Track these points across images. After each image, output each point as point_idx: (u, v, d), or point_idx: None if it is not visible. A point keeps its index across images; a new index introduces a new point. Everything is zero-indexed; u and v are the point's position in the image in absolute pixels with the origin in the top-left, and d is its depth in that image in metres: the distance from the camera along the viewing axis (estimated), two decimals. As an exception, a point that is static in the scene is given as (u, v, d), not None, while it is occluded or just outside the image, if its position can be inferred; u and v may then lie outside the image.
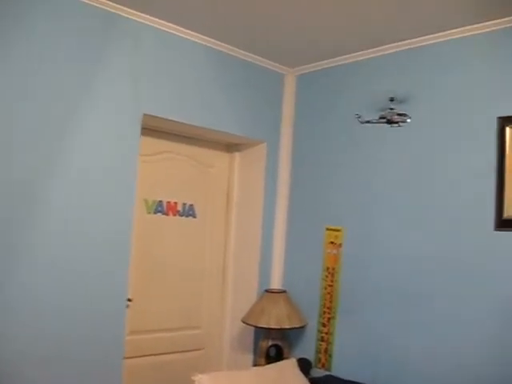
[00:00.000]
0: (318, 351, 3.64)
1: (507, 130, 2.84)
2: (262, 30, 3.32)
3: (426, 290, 3.09)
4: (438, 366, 2.99)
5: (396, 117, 3.17)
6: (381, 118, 3.23)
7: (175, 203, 3.81)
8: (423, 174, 3.20)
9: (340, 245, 3.56)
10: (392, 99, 3.23)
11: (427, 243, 3.13)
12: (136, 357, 3.50)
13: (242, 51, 3.67)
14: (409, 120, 3.14)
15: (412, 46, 3.29)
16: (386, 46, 3.40)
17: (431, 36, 3.17)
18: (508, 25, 2.86)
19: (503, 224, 2.83)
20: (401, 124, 3.17)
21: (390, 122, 3.20)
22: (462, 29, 3.04)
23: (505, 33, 2.89)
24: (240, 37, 3.45)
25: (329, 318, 3.58)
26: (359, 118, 3.30)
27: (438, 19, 2.98)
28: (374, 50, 3.47)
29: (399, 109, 3.21)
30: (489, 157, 2.90)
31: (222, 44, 3.55)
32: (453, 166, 3.07)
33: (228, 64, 3.64)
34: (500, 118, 2.87)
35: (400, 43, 3.32)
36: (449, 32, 3.10)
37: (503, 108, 2.87)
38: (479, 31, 2.99)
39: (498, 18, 2.88)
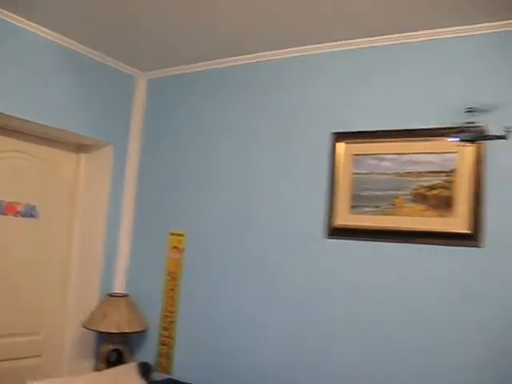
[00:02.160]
0: (159, 355, 3.66)
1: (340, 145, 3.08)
2: (115, 31, 3.28)
3: (267, 290, 3.25)
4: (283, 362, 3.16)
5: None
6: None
7: (16, 203, 3.65)
8: (259, 177, 3.38)
9: (183, 249, 3.61)
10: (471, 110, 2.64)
11: (263, 244, 3.30)
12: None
13: (94, 51, 3.62)
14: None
15: (262, 59, 3.45)
16: (241, 57, 3.52)
17: (273, 52, 3.36)
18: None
19: (333, 232, 3.04)
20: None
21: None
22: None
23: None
24: (93, 36, 3.39)
25: (170, 322, 3.61)
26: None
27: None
28: (231, 59, 3.56)
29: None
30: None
31: (76, 43, 3.48)
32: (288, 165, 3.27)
33: (80, 64, 3.57)
34: (333, 133, 3.10)
35: (256, 54, 3.45)
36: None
37: (336, 125, 3.10)
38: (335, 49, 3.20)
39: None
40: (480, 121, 2.61)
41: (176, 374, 3.56)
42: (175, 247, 3.63)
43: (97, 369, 3.67)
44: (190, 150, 3.70)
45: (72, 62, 3.52)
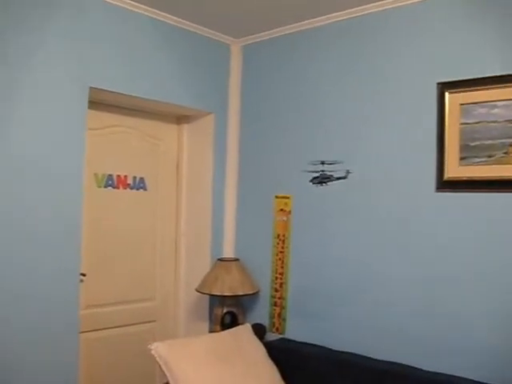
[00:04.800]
0: (271, 316, 3.74)
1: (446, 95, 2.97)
2: (206, 0, 3.30)
3: (376, 251, 3.22)
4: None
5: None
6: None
7: (125, 176, 3.80)
8: (365, 133, 3.31)
9: (289, 212, 3.64)
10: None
11: (375, 203, 3.24)
12: (92, 330, 3.52)
13: (187, 22, 3.65)
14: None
15: (359, 14, 3.34)
16: (334, 15, 3.43)
17: (377, 4, 3.23)
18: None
19: (443, 185, 2.97)
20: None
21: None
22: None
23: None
24: (185, 7, 3.42)
25: (281, 283, 3.67)
26: None
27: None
28: (322, 18, 3.49)
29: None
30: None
31: (167, 15, 3.52)
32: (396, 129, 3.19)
33: (174, 35, 3.62)
34: (439, 83, 2.99)
35: (348, 10, 3.36)
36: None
37: (441, 74, 2.99)
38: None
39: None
40: None
41: (289, 334, 3.63)
42: (282, 210, 3.67)
43: (212, 331, 3.81)
44: (291, 112, 3.68)
45: (167, 36, 3.58)
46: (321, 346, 3.34)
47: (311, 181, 3.54)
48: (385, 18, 3.24)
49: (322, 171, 3.48)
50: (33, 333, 2.93)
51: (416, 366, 2.91)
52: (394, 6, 3.18)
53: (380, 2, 3.21)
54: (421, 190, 3.05)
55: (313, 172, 3.53)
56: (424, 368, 2.87)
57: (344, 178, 3.38)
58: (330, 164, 3.45)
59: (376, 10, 3.26)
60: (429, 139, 3.01)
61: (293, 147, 3.67)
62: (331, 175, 3.44)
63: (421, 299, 3.01)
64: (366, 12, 3.31)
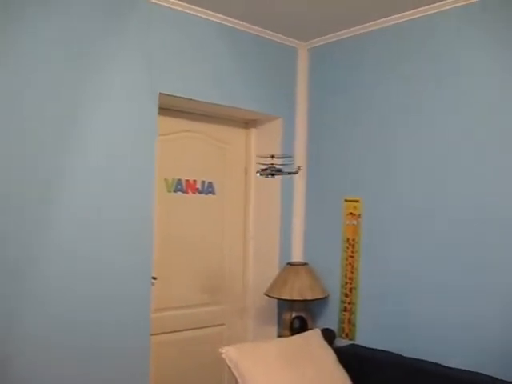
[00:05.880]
0: (341, 321, 3.69)
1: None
2: (271, 4, 3.28)
3: (455, 255, 3.10)
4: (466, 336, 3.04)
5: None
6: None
7: (194, 181, 3.85)
8: (447, 141, 3.18)
9: (359, 215, 3.59)
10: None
11: (451, 207, 3.13)
12: (161, 333, 3.57)
13: (252, 26, 3.65)
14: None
15: (434, 12, 3.23)
16: (406, 13, 3.35)
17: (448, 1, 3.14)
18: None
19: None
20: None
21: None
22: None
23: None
24: (252, 12, 3.43)
25: (351, 288, 3.62)
26: None
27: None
28: (392, 17, 3.42)
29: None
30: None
31: (235, 21, 3.55)
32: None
33: (240, 40, 3.64)
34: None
35: (421, 8, 3.26)
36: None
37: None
38: None
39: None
40: None
41: (359, 340, 3.57)
42: (351, 213, 3.62)
43: (280, 335, 3.79)
44: (360, 115, 3.63)
45: (234, 41, 3.60)
46: (393, 353, 3.26)
47: (381, 184, 3.48)
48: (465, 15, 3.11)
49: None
50: (107, 334, 3.00)
51: (495, 376, 2.79)
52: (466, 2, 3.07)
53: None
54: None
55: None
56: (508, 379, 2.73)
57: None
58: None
59: (452, 6, 3.13)
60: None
61: (362, 150, 3.61)
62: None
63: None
64: (442, 9, 3.19)
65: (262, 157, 3.17)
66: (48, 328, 2.78)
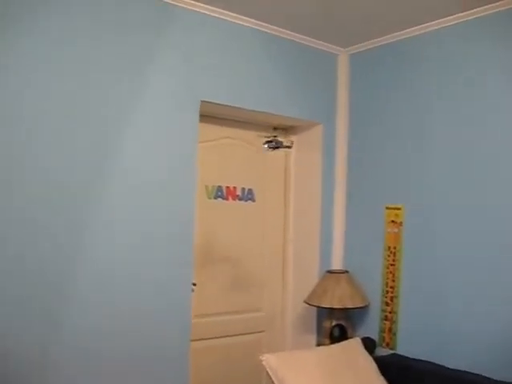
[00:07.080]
0: (381, 330, 3.64)
1: None
2: (311, 10, 3.27)
3: (502, 266, 3.03)
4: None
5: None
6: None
7: (234, 188, 3.86)
8: (482, 142, 3.13)
9: (401, 223, 3.54)
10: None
11: (493, 217, 3.06)
12: (200, 339, 3.58)
13: (291, 33, 3.65)
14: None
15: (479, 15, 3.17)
16: (446, 19, 3.30)
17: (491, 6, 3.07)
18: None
19: None
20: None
21: None
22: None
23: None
24: (292, 19, 3.43)
25: (392, 297, 3.57)
26: None
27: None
28: (433, 23, 3.37)
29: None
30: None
31: (272, 26, 3.54)
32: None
33: (279, 47, 3.64)
34: None
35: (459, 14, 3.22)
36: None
37: None
38: None
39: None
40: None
41: (400, 349, 3.52)
42: (392, 221, 3.58)
43: (320, 343, 3.77)
44: (402, 121, 3.58)
45: (275, 48, 3.60)
46: (434, 363, 3.20)
47: (423, 191, 3.43)
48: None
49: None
50: (146, 343, 3.03)
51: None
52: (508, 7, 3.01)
53: (494, 4, 3.05)
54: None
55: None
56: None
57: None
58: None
59: (488, 12, 3.09)
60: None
61: (404, 157, 3.57)
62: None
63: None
64: (480, 14, 3.14)
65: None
66: (87, 338, 2.81)
